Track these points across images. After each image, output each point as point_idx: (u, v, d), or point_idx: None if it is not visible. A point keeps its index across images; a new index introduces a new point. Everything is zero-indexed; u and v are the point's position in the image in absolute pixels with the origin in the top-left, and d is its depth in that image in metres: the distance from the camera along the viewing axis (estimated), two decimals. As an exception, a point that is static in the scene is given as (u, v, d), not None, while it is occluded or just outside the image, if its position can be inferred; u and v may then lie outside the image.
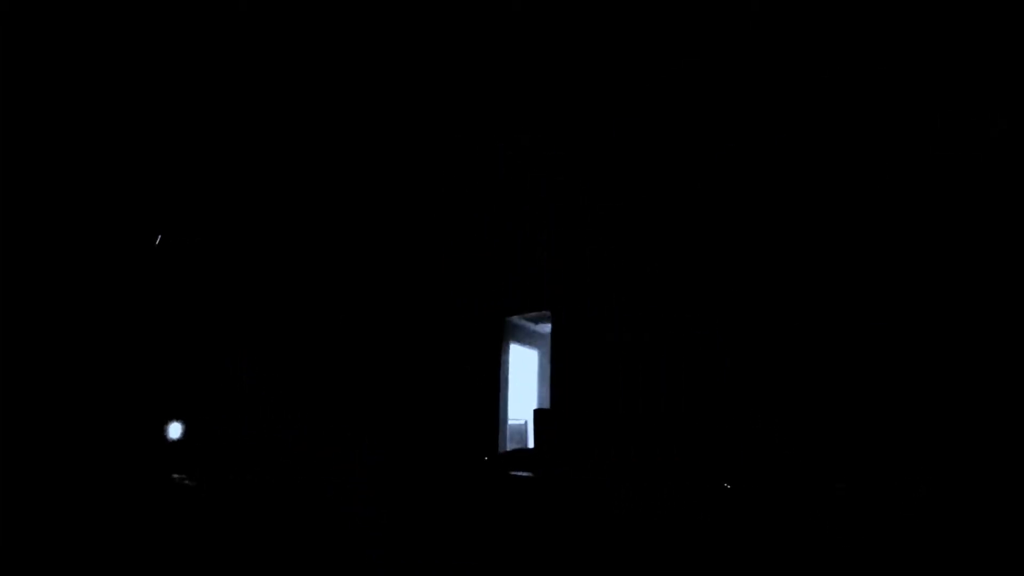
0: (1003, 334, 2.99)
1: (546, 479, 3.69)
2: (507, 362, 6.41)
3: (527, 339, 7.12)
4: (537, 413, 6.73)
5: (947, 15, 2.78)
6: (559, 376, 6.46)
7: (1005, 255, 2.98)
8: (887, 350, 3.40)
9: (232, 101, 3.53)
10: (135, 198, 3.31)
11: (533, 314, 6.31)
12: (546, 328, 7.42)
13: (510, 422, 7.68)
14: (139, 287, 3.27)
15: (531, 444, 7.86)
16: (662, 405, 4.64)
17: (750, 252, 4.07)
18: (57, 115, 2.94)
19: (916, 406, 3.28)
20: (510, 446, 7.25)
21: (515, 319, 6.55)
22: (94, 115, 3.10)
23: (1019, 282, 2.92)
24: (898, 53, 3.08)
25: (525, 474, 3.87)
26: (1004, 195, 2.80)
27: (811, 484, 3.72)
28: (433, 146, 4.61)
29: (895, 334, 3.36)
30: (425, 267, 5.46)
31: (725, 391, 4.24)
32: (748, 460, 3.76)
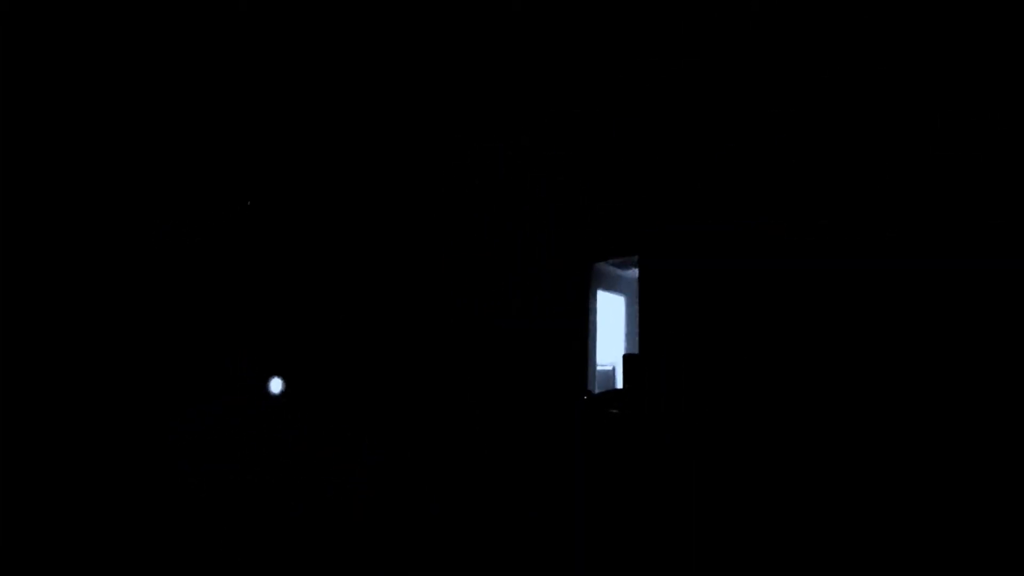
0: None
1: (634, 416, 3.85)
2: (595, 308, 6.53)
3: (614, 285, 7.18)
4: (626, 358, 6.86)
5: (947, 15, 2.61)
6: (647, 322, 6.49)
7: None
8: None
9: (232, 100, 3.54)
10: (134, 195, 3.28)
11: (619, 259, 6.34)
12: (633, 273, 7.42)
13: (598, 367, 7.86)
14: (137, 284, 3.21)
15: (619, 387, 8.00)
16: (750, 351, 4.60)
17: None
18: (57, 112, 2.92)
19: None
20: (599, 390, 7.45)
21: (602, 265, 6.62)
22: (93, 113, 3.08)
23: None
24: (898, 53, 2.89)
25: (615, 411, 4.06)
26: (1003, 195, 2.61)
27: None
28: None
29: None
30: (509, 218, 5.61)
31: (823, 343, 4.14)
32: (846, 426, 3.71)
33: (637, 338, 7.89)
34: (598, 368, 7.86)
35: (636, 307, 7.84)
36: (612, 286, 7.18)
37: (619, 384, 8.34)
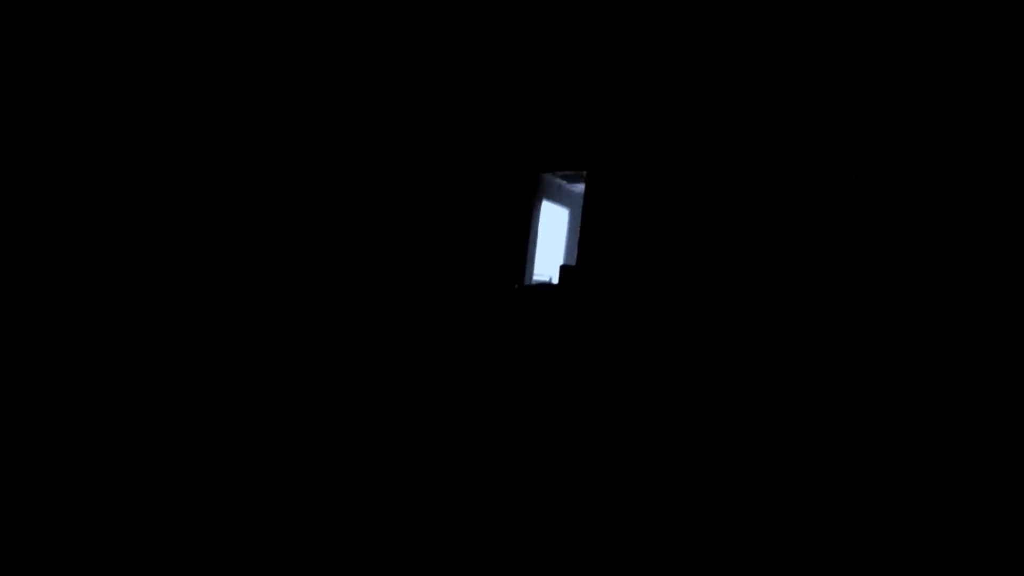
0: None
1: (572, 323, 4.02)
2: (538, 218, 6.55)
3: (559, 197, 7.18)
4: (563, 269, 7.02)
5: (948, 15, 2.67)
6: (588, 236, 6.59)
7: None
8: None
9: (225, 97, 3.42)
10: (131, 195, 3.32)
11: (568, 172, 6.31)
12: (579, 187, 7.42)
13: (535, 277, 8.02)
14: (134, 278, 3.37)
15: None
16: (695, 275, 4.81)
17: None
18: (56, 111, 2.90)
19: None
20: (534, 299, 7.64)
21: (549, 176, 6.56)
22: (92, 111, 3.04)
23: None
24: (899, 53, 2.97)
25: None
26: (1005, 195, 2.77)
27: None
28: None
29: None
30: (460, 124, 5.41)
31: (762, 269, 4.35)
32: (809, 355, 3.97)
33: (576, 253, 8.04)
34: (535, 278, 8.02)
35: (579, 221, 7.93)
36: (558, 198, 7.19)
37: (554, 295, 8.56)
